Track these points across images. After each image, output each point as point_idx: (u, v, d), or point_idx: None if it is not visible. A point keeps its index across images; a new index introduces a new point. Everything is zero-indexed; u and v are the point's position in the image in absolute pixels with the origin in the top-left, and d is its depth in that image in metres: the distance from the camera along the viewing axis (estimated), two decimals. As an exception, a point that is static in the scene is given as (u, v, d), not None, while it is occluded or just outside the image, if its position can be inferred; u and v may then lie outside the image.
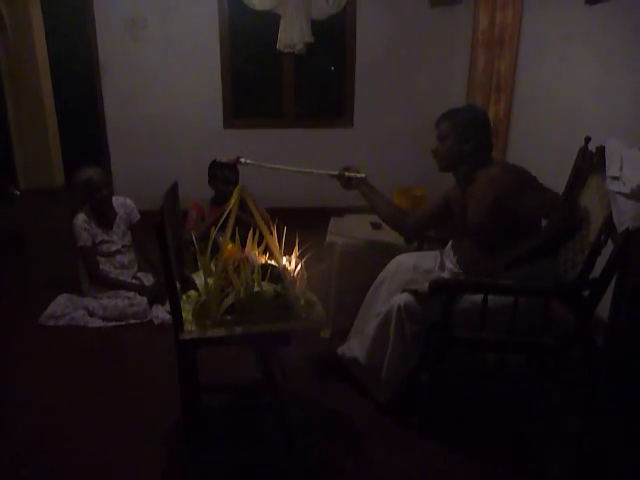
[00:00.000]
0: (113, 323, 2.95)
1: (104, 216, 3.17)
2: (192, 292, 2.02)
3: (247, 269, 1.79)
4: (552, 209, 1.89)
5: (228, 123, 4.82)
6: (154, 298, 3.08)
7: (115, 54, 4.64)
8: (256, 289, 1.77)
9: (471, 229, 2.10)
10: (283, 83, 4.85)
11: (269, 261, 1.98)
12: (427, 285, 2.03)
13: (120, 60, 4.66)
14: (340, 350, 2.38)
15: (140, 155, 4.85)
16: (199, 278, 1.92)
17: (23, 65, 5.61)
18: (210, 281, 1.83)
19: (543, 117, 3.42)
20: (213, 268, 1.98)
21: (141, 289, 3.12)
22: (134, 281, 3.23)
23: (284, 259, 1.92)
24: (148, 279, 3.28)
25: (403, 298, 2.04)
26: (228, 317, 1.80)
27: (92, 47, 4.66)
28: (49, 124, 5.84)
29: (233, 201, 1.87)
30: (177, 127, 4.79)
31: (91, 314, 3.00)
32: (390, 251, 2.58)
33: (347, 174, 2.50)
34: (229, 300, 1.77)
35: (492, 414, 2.20)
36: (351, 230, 2.82)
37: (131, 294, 3.05)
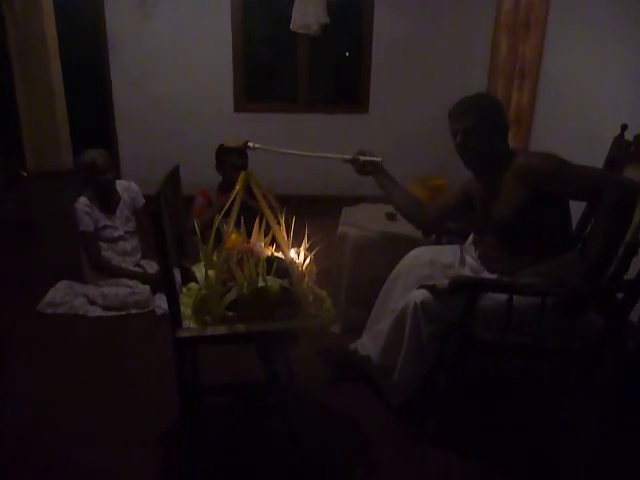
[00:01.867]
0: (113, 313, 2.84)
1: (107, 200, 3.04)
2: (193, 284, 1.89)
3: (251, 262, 1.64)
4: (604, 181, 1.68)
5: (239, 106, 4.68)
6: (157, 287, 2.96)
7: (124, 34, 4.52)
8: (260, 284, 1.63)
9: (496, 224, 1.93)
10: (297, 66, 4.67)
11: (275, 253, 1.84)
12: (446, 282, 1.88)
13: (129, 40, 4.53)
14: (352, 346, 2.24)
15: (148, 138, 4.72)
16: (200, 270, 1.78)
17: (32, 46, 5.46)
18: (211, 274, 1.69)
19: (571, 104, 3.23)
20: (215, 259, 1.85)
21: (143, 277, 3.00)
22: (137, 269, 3.11)
23: (292, 251, 1.78)
24: (152, 266, 3.16)
25: (420, 295, 1.88)
26: (230, 313, 1.66)
27: (100, 26, 4.53)
28: (58, 106, 5.70)
29: (238, 187, 1.72)
30: (187, 110, 4.67)
31: (91, 302, 2.88)
32: (406, 244, 2.42)
33: (362, 158, 2.34)
34: (231, 295, 1.63)
35: (512, 421, 2.05)
36: (365, 221, 2.67)
37: (133, 282, 2.93)
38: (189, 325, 1.66)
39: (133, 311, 2.85)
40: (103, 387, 2.26)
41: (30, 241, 4.03)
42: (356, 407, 2.12)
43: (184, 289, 1.88)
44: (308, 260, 1.81)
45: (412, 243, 2.41)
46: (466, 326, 1.76)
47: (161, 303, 2.87)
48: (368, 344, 2.15)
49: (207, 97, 4.62)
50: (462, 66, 4.59)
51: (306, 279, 1.76)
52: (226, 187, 2.99)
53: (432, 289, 1.86)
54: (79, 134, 5.84)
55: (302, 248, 1.86)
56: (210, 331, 1.63)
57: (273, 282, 1.66)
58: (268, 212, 1.74)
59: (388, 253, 2.46)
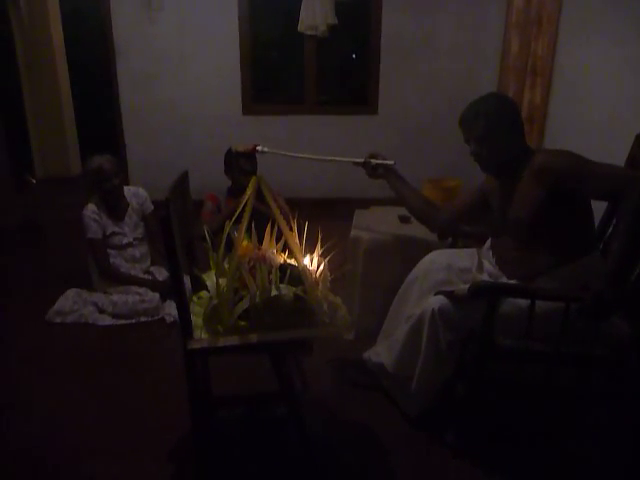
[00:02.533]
0: (123, 321, 2.79)
1: (115, 207, 3.00)
2: (203, 293, 1.84)
3: (264, 270, 1.59)
4: (627, 180, 1.60)
5: (247, 109, 4.63)
6: (167, 294, 2.91)
7: (131, 38, 4.48)
8: (273, 293, 1.58)
9: (513, 226, 1.87)
10: (305, 67, 4.62)
11: (288, 260, 1.79)
12: (464, 287, 1.82)
13: (136, 44, 4.50)
14: (366, 355, 2.18)
15: (156, 143, 4.69)
16: (210, 278, 1.73)
17: (40, 51, 5.45)
18: (222, 282, 1.64)
19: (586, 102, 3.15)
20: (226, 267, 1.80)
21: (153, 284, 2.96)
22: (146, 276, 3.07)
23: (305, 258, 1.72)
24: (161, 273, 3.11)
25: (437, 301, 1.82)
26: (242, 323, 1.61)
27: (107, 30, 4.50)
28: (65, 111, 5.69)
29: (248, 193, 1.67)
30: (194, 113, 4.63)
31: (100, 311, 2.84)
32: (420, 247, 2.36)
33: (374, 162, 2.28)
34: (243, 305, 1.58)
35: (534, 431, 1.98)
36: (377, 224, 2.61)
37: (142, 290, 2.88)
38: (200, 335, 1.61)
39: (143, 319, 2.81)
40: (113, 398, 2.21)
41: (38, 248, 4.00)
42: (372, 417, 2.06)
43: (194, 298, 1.83)
44: (322, 266, 1.76)
45: (427, 247, 2.34)
46: (487, 333, 1.70)
47: (171, 310, 2.82)
48: (382, 352, 2.09)
49: (215, 100, 4.58)
50: (473, 65, 4.52)
51: (320, 286, 1.71)
52: (235, 192, 2.94)
53: (450, 295, 1.80)
54: (87, 139, 5.83)
55: (315, 254, 1.81)
56: (222, 342, 1.57)
57: (286, 290, 1.61)
58: (280, 217, 1.69)
59: (402, 257, 2.41)
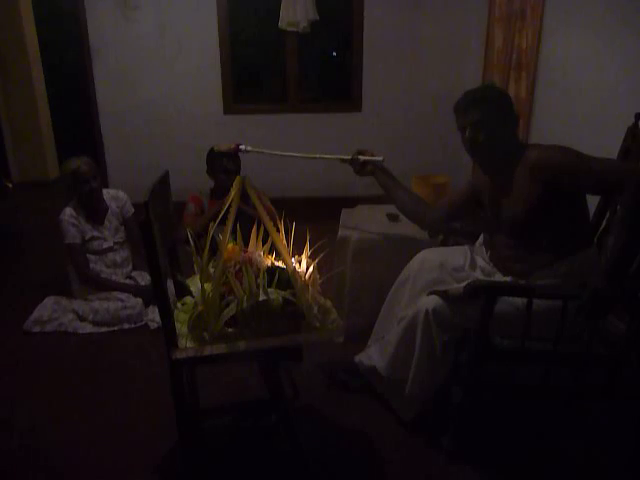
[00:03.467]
0: (105, 328, 2.70)
1: (94, 210, 2.90)
2: (188, 299, 1.76)
3: (251, 273, 1.52)
4: (624, 174, 1.56)
5: (228, 108, 4.54)
6: (150, 299, 2.82)
7: (107, 37, 4.36)
8: (261, 298, 1.51)
9: (508, 222, 1.82)
10: (286, 65, 4.53)
11: (276, 263, 1.71)
12: (458, 286, 1.77)
13: (112, 44, 4.38)
14: (357, 358, 2.12)
15: (135, 144, 4.58)
16: (195, 284, 1.66)
17: (12, 53, 5.31)
18: (207, 287, 1.56)
19: (573, 94, 3.11)
20: (211, 271, 1.72)
21: (135, 290, 2.86)
22: (128, 281, 2.97)
23: (293, 260, 1.66)
24: (144, 278, 3.01)
25: (431, 301, 1.76)
26: (229, 330, 1.53)
27: (82, 30, 4.38)
28: (41, 113, 5.54)
29: (233, 193, 1.60)
30: (174, 113, 4.52)
31: (81, 319, 2.74)
32: (410, 246, 2.30)
33: (362, 158, 2.22)
34: (230, 311, 1.50)
35: (533, 433, 1.93)
36: (365, 223, 2.55)
37: (124, 296, 2.79)
38: (186, 344, 1.53)
39: (125, 326, 2.71)
40: (97, 411, 2.12)
41: (15, 255, 3.87)
42: (365, 422, 2.00)
43: (179, 304, 1.76)
44: (311, 268, 1.69)
45: (417, 245, 2.28)
46: (483, 333, 1.64)
47: (154, 316, 2.73)
48: (375, 355, 2.02)
49: (195, 99, 4.48)
50: (457, 60, 4.47)
51: (310, 289, 1.64)
52: (219, 193, 2.86)
53: (444, 295, 1.75)
54: (64, 142, 5.68)
55: (304, 256, 1.74)
56: (209, 350, 1.50)
57: (275, 295, 1.54)
58: (266, 218, 1.61)
59: (392, 256, 2.35)
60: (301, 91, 4.66)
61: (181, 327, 1.60)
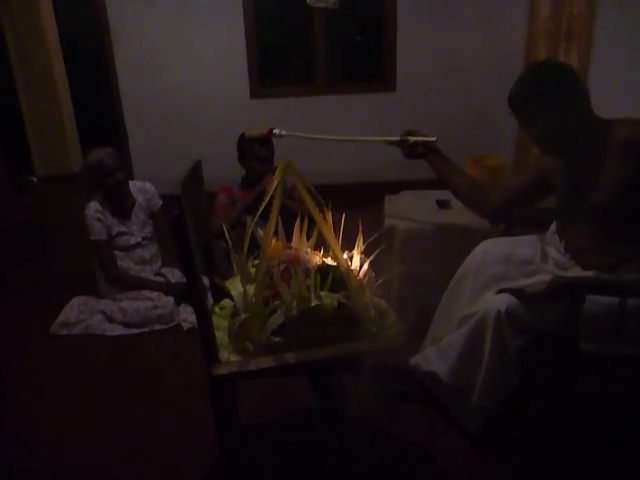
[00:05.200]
0: (135, 330, 2.53)
1: (120, 204, 2.73)
2: (226, 302, 1.57)
3: (300, 275, 1.32)
4: None
5: (255, 93, 4.32)
6: (181, 297, 2.65)
7: (127, 23, 4.18)
8: (314, 302, 1.30)
9: (590, 210, 1.57)
10: (315, 44, 4.29)
11: (325, 260, 1.51)
12: (534, 283, 1.55)
13: (132, 29, 4.20)
14: (413, 361, 1.91)
15: (159, 133, 4.41)
16: (235, 286, 1.46)
17: (32, 43, 5.16)
18: (250, 291, 1.37)
19: (635, 66, 2.82)
20: (251, 271, 1.53)
21: (166, 288, 2.69)
22: (157, 278, 2.80)
23: (345, 256, 1.45)
24: (174, 275, 2.84)
25: (503, 301, 1.54)
26: (276, 339, 1.34)
27: (101, 17, 4.20)
28: (63, 105, 5.40)
29: (276, 182, 1.39)
30: (199, 100, 4.33)
31: (110, 320, 2.58)
32: (465, 236, 2.11)
33: (412, 139, 1.99)
34: (277, 318, 1.31)
35: (619, 449, 1.69)
36: (413, 211, 2.33)
37: (154, 294, 2.61)
38: (228, 357, 1.34)
39: (157, 327, 2.54)
40: (129, 422, 1.95)
41: (41, 252, 3.75)
42: (424, 434, 1.79)
43: (216, 309, 1.57)
44: (365, 265, 1.48)
45: (473, 235, 2.08)
46: (569, 337, 1.42)
47: (187, 316, 2.56)
48: (434, 359, 1.81)
49: (220, 84, 4.27)
50: (498, 32, 4.15)
51: (366, 290, 1.44)
52: (251, 181, 2.67)
53: (520, 293, 1.52)
54: (87, 134, 5.54)
55: (356, 251, 1.54)
56: (254, 364, 1.30)
57: (329, 298, 1.33)
58: (316, 210, 1.40)
59: (444, 247, 2.15)
60: (331, 72, 4.42)
61: (220, 336, 1.42)
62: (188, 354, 2.30)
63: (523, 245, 1.80)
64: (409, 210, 2.34)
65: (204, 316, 1.30)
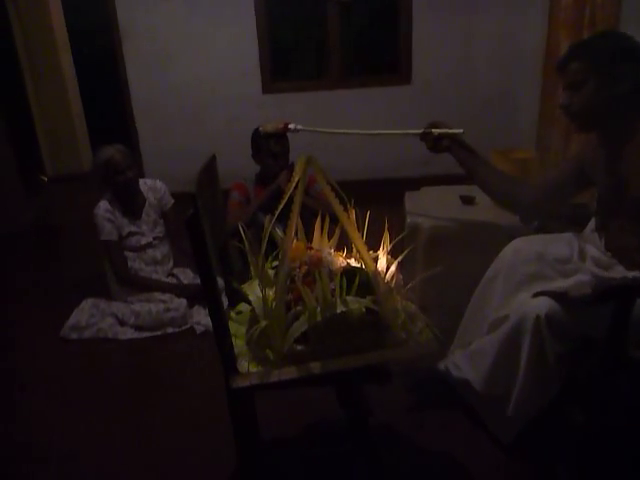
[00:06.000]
0: (147, 333, 2.45)
1: (130, 203, 2.64)
2: (244, 306, 1.48)
3: (325, 278, 1.21)
4: None
5: (267, 87, 4.22)
6: (194, 299, 2.56)
7: (136, 18, 4.09)
8: (340, 309, 1.20)
9: (634, 205, 1.46)
10: (329, 36, 4.18)
11: (350, 262, 1.41)
12: (576, 284, 1.43)
13: (142, 24, 4.12)
14: (443, 366, 1.80)
15: (171, 130, 4.33)
16: (253, 290, 1.36)
17: (41, 40, 5.10)
18: (270, 295, 1.27)
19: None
20: (270, 274, 1.43)
21: (178, 289, 2.60)
22: (170, 279, 2.71)
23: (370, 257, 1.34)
24: (186, 275, 2.75)
25: (542, 305, 1.43)
26: (299, 347, 1.24)
27: (111, 13, 4.12)
28: (72, 103, 5.34)
29: (297, 178, 1.28)
30: (210, 95, 4.26)
31: (121, 323, 2.50)
32: (494, 233, 1.98)
33: (436, 131, 1.87)
34: (300, 326, 1.20)
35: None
36: (436, 207, 2.21)
37: (167, 296, 2.53)
38: (247, 366, 1.24)
39: (169, 330, 2.46)
40: (142, 431, 1.87)
41: (52, 253, 3.69)
42: (455, 443, 1.69)
43: (232, 314, 1.47)
44: (393, 267, 1.38)
45: (502, 232, 1.96)
46: (617, 343, 1.30)
47: (201, 319, 2.47)
48: (464, 365, 1.70)
49: (232, 79, 4.19)
50: (516, 21, 4.02)
51: (395, 293, 1.33)
52: (265, 178, 2.56)
53: (561, 297, 1.41)
54: (97, 132, 5.47)
55: (382, 251, 1.43)
56: (276, 376, 1.21)
57: (356, 304, 1.23)
58: (340, 208, 1.30)
59: (471, 246, 2.02)
60: (344, 64, 4.31)
61: (238, 343, 1.32)
62: (202, 359, 2.21)
63: (558, 243, 1.69)
64: (432, 207, 2.22)
65: (221, 325, 1.20)
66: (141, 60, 4.21)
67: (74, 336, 2.45)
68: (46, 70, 5.13)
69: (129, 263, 2.62)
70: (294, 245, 1.39)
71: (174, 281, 2.71)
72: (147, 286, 2.58)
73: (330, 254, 1.40)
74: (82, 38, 5.51)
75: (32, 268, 3.39)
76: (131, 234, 2.63)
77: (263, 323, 1.21)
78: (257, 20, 4.06)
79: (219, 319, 1.19)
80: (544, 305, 1.42)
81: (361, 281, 1.28)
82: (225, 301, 1.56)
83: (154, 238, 2.69)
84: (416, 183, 2.66)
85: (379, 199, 2.86)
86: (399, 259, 1.37)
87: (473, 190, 2.23)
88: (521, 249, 1.70)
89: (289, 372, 1.21)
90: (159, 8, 4.07)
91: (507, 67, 3.98)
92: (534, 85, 3.81)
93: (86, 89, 5.47)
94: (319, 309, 1.20)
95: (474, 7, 4.04)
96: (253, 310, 1.34)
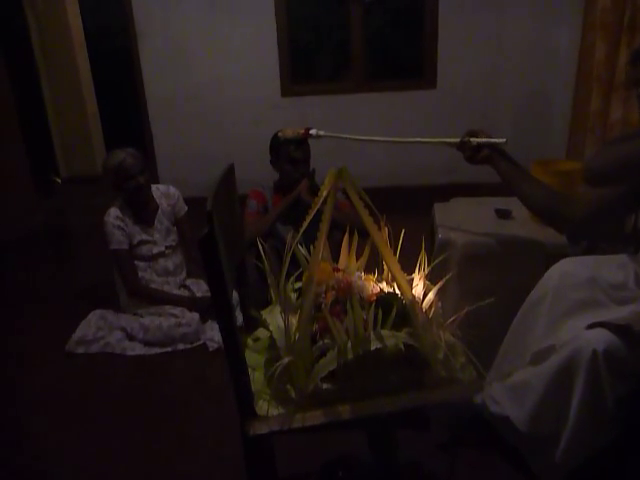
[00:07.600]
0: (157, 349, 2.31)
1: (142, 210, 2.51)
2: (262, 332, 1.32)
3: (358, 308, 1.06)
4: None
5: (286, 90, 4.08)
6: (208, 312, 2.42)
7: (153, 18, 3.98)
8: (374, 345, 1.05)
9: None
10: (351, 38, 4.03)
11: (383, 287, 1.25)
12: (627, 313, 1.26)
13: (159, 24, 4.02)
14: (480, 399, 1.63)
15: (186, 133, 4.20)
16: (273, 317, 1.21)
17: (57, 40, 5.01)
18: (293, 324, 1.12)
19: None
20: (292, 297, 1.28)
21: (190, 303, 2.45)
22: (182, 291, 2.57)
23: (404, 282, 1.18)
24: (200, 287, 2.61)
25: (601, 338, 1.26)
26: (326, 386, 1.09)
27: (127, 12, 4.01)
28: (88, 104, 5.25)
29: (325, 192, 1.13)
30: (227, 98, 4.12)
31: (130, 337, 2.36)
32: (536, 252, 1.82)
33: (475, 141, 1.71)
34: (329, 364, 1.05)
35: None
36: (469, 221, 2.04)
37: (178, 310, 2.38)
38: (265, 407, 1.09)
39: (180, 346, 2.32)
40: (150, 453, 1.74)
41: (62, 257, 3.57)
42: (492, 487, 1.52)
43: (249, 341, 1.32)
44: (432, 294, 1.22)
45: (544, 251, 1.80)
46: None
47: (213, 335, 2.33)
48: (504, 400, 1.53)
49: (250, 82, 4.05)
50: (549, 23, 3.84)
51: (434, 325, 1.18)
52: (285, 186, 2.42)
53: (623, 330, 1.24)
54: (112, 133, 5.37)
55: (420, 275, 1.28)
56: (299, 421, 1.05)
57: (392, 339, 1.07)
58: (373, 226, 1.14)
59: (509, 265, 1.86)
60: (367, 67, 4.15)
61: (254, 375, 1.17)
62: (215, 379, 2.06)
63: (611, 266, 1.51)
64: (465, 221, 2.05)
65: (237, 362, 1.05)
66: (157, 61, 4.10)
67: (80, 350, 2.32)
68: (62, 70, 5.05)
69: (140, 273, 2.48)
70: (322, 268, 1.24)
71: (186, 293, 2.57)
72: (158, 299, 2.44)
73: (360, 278, 1.25)
74: (98, 38, 5.42)
75: (42, 271, 3.28)
76: (142, 243, 2.49)
77: (286, 359, 1.06)
78: (277, 20, 3.93)
79: (235, 356, 1.04)
80: (602, 339, 1.25)
81: (397, 311, 1.12)
82: (239, 317, 1.42)
83: (166, 247, 2.55)
84: (442, 192, 2.51)
85: (403, 209, 2.71)
86: (439, 285, 1.21)
87: (509, 203, 2.07)
88: (570, 272, 1.52)
89: (315, 417, 1.06)
90: (177, 9, 3.96)
91: (539, 71, 3.80)
92: (568, 90, 3.64)
93: (102, 90, 5.38)
94: (350, 344, 1.05)
95: (503, 10, 3.87)
96: (271, 337, 1.20)
